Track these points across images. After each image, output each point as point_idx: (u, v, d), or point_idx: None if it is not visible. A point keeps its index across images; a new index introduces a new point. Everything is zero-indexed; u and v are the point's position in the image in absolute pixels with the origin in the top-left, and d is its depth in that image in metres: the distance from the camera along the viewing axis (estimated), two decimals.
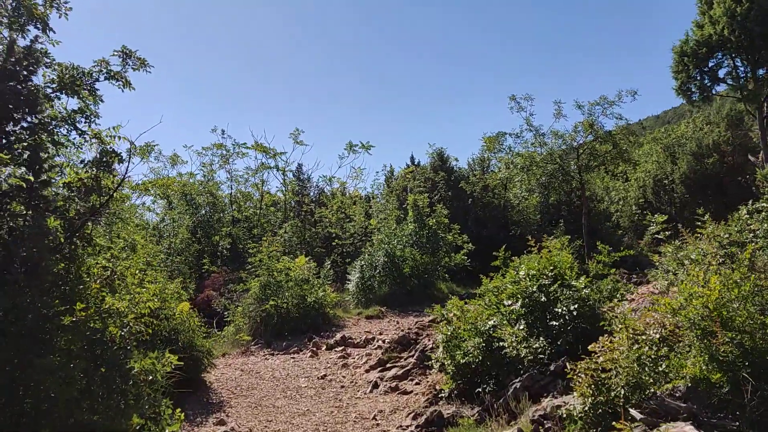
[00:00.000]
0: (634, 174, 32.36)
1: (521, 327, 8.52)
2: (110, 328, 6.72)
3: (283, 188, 31.25)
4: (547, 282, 8.72)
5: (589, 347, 6.65)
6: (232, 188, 30.53)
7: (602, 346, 6.51)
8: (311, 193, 32.72)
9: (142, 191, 23.93)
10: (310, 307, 16.26)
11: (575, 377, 6.29)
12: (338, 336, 14.79)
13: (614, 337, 6.58)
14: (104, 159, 7.56)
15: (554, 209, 29.23)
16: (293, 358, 13.18)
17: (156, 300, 9.04)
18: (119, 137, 10.89)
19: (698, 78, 26.54)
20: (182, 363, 9.35)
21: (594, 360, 6.31)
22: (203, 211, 27.19)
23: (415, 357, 11.56)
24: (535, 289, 8.71)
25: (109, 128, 10.87)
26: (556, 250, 9.81)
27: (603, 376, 6.09)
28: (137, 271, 8.77)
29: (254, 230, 27.44)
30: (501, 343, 8.41)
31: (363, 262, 21.31)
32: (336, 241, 26.99)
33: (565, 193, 25.38)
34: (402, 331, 16.19)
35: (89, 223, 7.96)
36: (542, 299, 8.58)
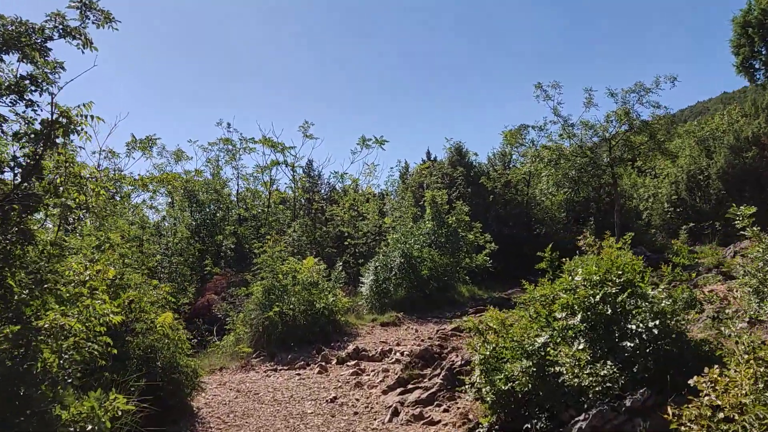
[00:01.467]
0: (665, 169, 30.35)
1: (580, 347, 6.74)
2: (45, 353, 5.03)
3: (293, 185, 29.60)
4: (613, 290, 6.92)
5: (691, 381, 4.87)
6: (238, 185, 28.96)
7: (712, 381, 4.72)
8: (322, 190, 31.06)
9: (141, 187, 22.34)
10: (319, 314, 14.55)
11: (682, 428, 4.50)
12: (350, 347, 13.06)
13: (730, 369, 4.79)
14: (46, 131, 5.89)
15: (580, 206, 27.30)
16: (299, 374, 11.45)
17: (122, 312, 7.36)
18: (93, 117, 9.20)
19: (765, 53, 23.91)
20: (160, 389, 7.68)
21: (706, 402, 4.53)
22: (207, 209, 25.57)
23: (441, 376, 9.80)
24: (597, 299, 6.92)
25: (79, 105, 9.20)
26: (617, 250, 8.01)
27: (725, 427, 4.30)
28: (104, 276, 7.09)
29: (262, 229, 25.81)
30: (557, 368, 6.62)
31: (377, 263, 19.58)
32: (348, 240, 25.29)
33: (593, 189, 23.47)
34: (422, 341, 14.45)
35: (34, 215, 6.27)
36: (607, 312, 6.79)
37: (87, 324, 5.73)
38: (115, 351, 6.39)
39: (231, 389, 10.13)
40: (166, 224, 25.39)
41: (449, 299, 20.30)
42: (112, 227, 16.68)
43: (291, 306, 14.13)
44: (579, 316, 6.92)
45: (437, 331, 15.47)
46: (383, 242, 22.42)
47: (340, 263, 20.18)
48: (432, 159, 32.19)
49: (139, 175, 22.71)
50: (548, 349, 6.97)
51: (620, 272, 7.19)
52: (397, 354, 12.69)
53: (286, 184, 38.55)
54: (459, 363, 10.02)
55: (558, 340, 7.03)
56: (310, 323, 14.20)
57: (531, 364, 6.83)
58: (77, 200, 8.67)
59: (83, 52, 7.36)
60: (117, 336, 7.19)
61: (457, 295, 20.90)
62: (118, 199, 24.77)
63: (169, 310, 9.57)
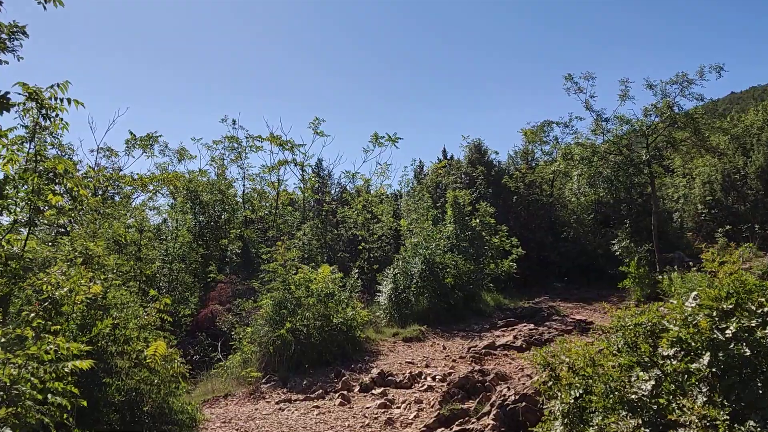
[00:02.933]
0: (697, 168, 28.53)
1: (702, 398, 5.03)
2: None
3: (302, 185, 27.94)
4: (752, 323, 5.20)
5: None
6: (244, 185, 27.32)
7: None
8: (333, 191, 29.38)
9: (140, 187, 20.69)
10: (337, 330, 12.86)
11: None
12: (374, 371, 11.34)
13: None
14: None
15: (609, 208, 25.52)
16: (317, 406, 9.74)
17: (99, 344, 5.70)
18: (70, 101, 7.61)
19: None
20: None
21: None
22: (211, 211, 23.90)
23: (491, 415, 8.09)
24: (729, 334, 5.20)
25: (53, 86, 7.70)
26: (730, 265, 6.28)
27: None
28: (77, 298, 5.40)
29: (269, 232, 24.12)
30: (680, 431, 4.89)
31: (396, 270, 17.91)
32: (362, 244, 23.59)
33: (625, 190, 21.71)
34: (453, 361, 12.77)
35: None
36: (744, 353, 5.07)
37: (38, 375, 4.05)
38: (85, 403, 4.72)
39: (238, 430, 8.43)
40: (169, 227, 23.78)
41: (474, 309, 18.61)
42: (106, 232, 15.07)
43: (305, 321, 12.45)
44: (706, 357, 5.19)
45: (468, 349, 13.79)
46: (402, 247, 20.72)
47: (356, 270, 18.51)
48: (448, 158, 30.44)
49: (138, 174, 21.06)
50: (660, 399, 5.26)
51: (752, 297, 5.45)
52: (429, 379, 10.99)
53: (294, 184, 36.94)
54: (512, 398, 8.31)
55: (671, 388, 5.31)
56: (326, 341, 12.52)
57: (640, 422, 5.11)
58: (50, 201, 7.03)
59: (45, 8, 5.74)
60: (90, 379, 5.51)
61: (482, 304, 19.19)
62: (118, 199, 23.24)
63: (163, 336, 7.86)
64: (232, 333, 13.67)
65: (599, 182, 19.82)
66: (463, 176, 26.47)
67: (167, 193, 23.54)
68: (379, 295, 17.81)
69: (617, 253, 20.52)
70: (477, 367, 10.88)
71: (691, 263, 21.58)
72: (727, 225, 25.35)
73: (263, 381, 11.15)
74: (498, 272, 20.52)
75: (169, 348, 7.49)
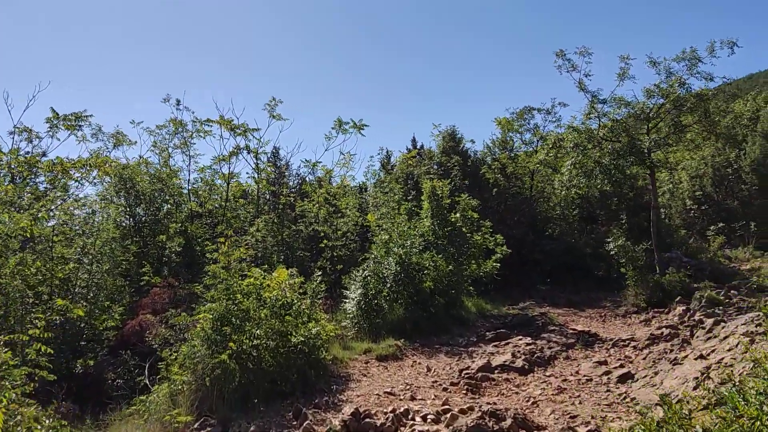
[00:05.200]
0: (683, 161, 26.65)
1: None
2: None
3: (256, 175, 24.83)
4: None
5: None
6: (190, 175, 24.07)
7: None
8: (291, 182, 26.45)
9: (61, 172, 17.37)
10: (296, 351, 10.06)
11: None
12: (346, 409, 8.57)
13: None
14: None
15: (597, 203, 23.32)
16: None
17: None
18: None
19: None
20: None
21: None
22: (151, 203, 20.63)
23: None
24: None
25: None
26: None
27: None
28: None
29: (218, 227, 21.02)
30: None
31: (367, 272, 15.16)
32: (324, 242, 20.76)
33: (621, 181, 19.49)
34: (444, 389, 10.12)
35: None
36: None
37: None
38: None
39: None
40: (99, 220, 20.45)
41: (456, 317, 16.06)
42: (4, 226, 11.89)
43: (255, 341, 9.59)
44: None
45: (460, 372, 11.16)
46: (370, 244, 18.02)
47: (318, 272, 15.68)
48: (419, 147, 27.82)
49: (57, 157, 17.70)
50: None
51: None
52: (419, 421, 8.26)
53: (247, 174, 33.65)
54: None
55: None
56: (283, 366, 9.70)
57: None
58: None
59: None
60: None
61: (464, 311, 16.66)
62: (42, 189, 19.80)
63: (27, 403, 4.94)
64: (168, 349, 10.72)
65: (596, 172, 17.46)
66: (436, 167, 23.89)
67: (97, 180, 20.15)
68: (345, 302, 15.04)
69: (612, 253, 18.23)
70: (481, 402, 8.25)
71: (691, 264, 19.54)
72: (719, 222, 23.48)
73: (196, 426, 8.24)
74: (479, 274, 18.02)
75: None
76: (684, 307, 15.78)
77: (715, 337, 11.90)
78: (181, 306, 14.57)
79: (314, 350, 10.41)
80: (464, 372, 11.01)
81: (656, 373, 10.18)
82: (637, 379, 10.23)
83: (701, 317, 14.17)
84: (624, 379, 10.36)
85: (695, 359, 9.99)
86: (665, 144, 17.35)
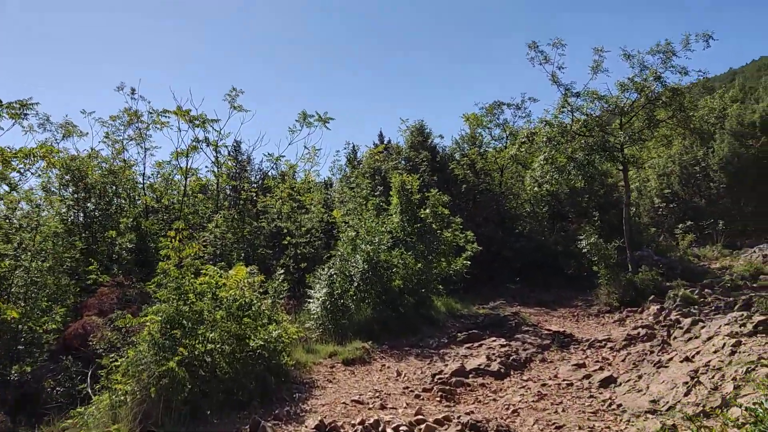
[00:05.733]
0: (651, 159, 26.49)
1: None
2: None
3: (215, 169, 23.68)
4: None
5: None
6: (146, 168, 22.82)
7: None
8: (252, 177, 25.34)
9: (0, 162, 16.00)
10: (256, 356, 9.18)
11: None
12: (309, 422, 7.73)
13: None
14: None
15: (567, 200, 22.90)
16: None
17: None
18: None
19: None
20: None
21: None
22: (102, 196, 19.36)
23: None
24: None
25: None
26: None
27: None
28: None
29: (175, 223, 19.77)
30: None
31: (333, 271, 14.31)
32: (287, 238, 19.80)
33: (593, 177, 19.05)
34: (417, 396, 9.35)
35: None
36: None
37: None
38: None
39: None
40: (45, 215, 19.10)
41: (426, 317, 15.34)
42: None
43: (209, 346, 8.67)
44: None
45: (433, 377, 10.41)
46: (335, 241, 17.18)
47: (280, 270, 14.77)
48: (385, 142, 27.05)
49: None
50: None
51: None
52: None
53: (207, 167, 32.33)
54: None
55: None
56: (240, 373, 8.80)
57: None
58: None
59: None
60: None
61: (433, 311, 15.96)
62: None
63: None
64: (112, 355, 9.71)
65: (570, 167, 16.93)
66: (403, 162, 23.16)
67: (43, 171, 18.78)
68: (309, 302, 14.17)
69: (584, 251, 17.78)
70: (458, 411, 7.51)
71: (662, 262, 19.25)
72: (687, 220, 23.32)
73: None
74: (449, 272, 17.33)
75: None
76: (658, 306, 15.40)
77: (696, 337, 11.45)
78: (132, 306, 13.47)
79: (275, 355, 9.54)
80: (437, 377, 10.27)
81: (640, 377, 9.60)
82: (620, 384, 9.64)
83: (677, 317, 13.77)
84: (606, 383, 9.76)
85: (681, 362, 9.46)
86: (639, 139, 16.93)
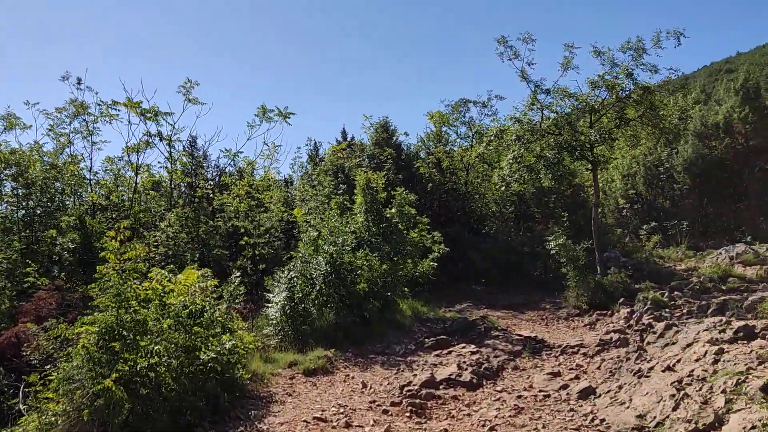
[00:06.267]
0: (615, 159, 26.35)
1: None
2: None
3: (169, 165, 22.46)
4: None
5: None
6: (93, 163, 21.41)
7: None
8: (209, 174, 24.18)
9: None
10: (207, 369, 8.27)
11: None
12: None
13: None
14: None
15: (534, 200, 22.49)
16: None
17: None
18: None
19: None
20: None
21: None
22: (44, 193, 18.04)
23: None
24: None
25: None
26: None
27: None
28: None
29: (124, 222, 18.57)
30: None
31: (293, 274, 13.44)
32: (245, 238, 18.81)
33: (562, 177, 18.62)
34: (384, 411, 8.60)
35: None
36: None
37: None
38: None
39: None
40: None
41: (391, 322, 14.61)
42: None
43: (153, 360, 7.73)
44: None
45: (401, 388, 9.68)
46: (297, 242, 16.32)
47: (237, 273, 13.83)
48: (349, 140, 26.22)
49: None
50: None
51: None
52: None
53: (160, 163, 30.88)
54: None
55: None
56: (188, 390, 7.89)
57: None
58: None
59: None
60: None
61: (399, 315, 15.24)
62: None
63: None
64: (48, 366, 8.67)
65: (540, 166, 16.43)
66: (368, 159, 22.40)
67: None
68: (268, 306, 13.27)
69: (553, 252, 17.34)
70: (429, 429, 6.79)
71: (629, 264, 18.96)
72: (651, 221, 23.21)
73: None
74: (415, 274, 16.66)
75: None
76: (628, 310, 15.02)
77: (673, 343, 11.01)
78: (73, 312, 12.38)
79: (228, 368, 8.65)
80: (406, 389, 9.53)
81: (620, 387, 9.05)
82: (600, 395, 9.07)
83: (650, 321, 13.37)
84: (585, 394, 9.18)
85: (663, 371, 8.93)
86: (609, 138, 16.55)
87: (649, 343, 12.01)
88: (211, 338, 8.58)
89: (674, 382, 8.32)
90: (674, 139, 19.43)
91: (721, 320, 10.51)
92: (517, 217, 22.88)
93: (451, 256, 20.68)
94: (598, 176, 26.11)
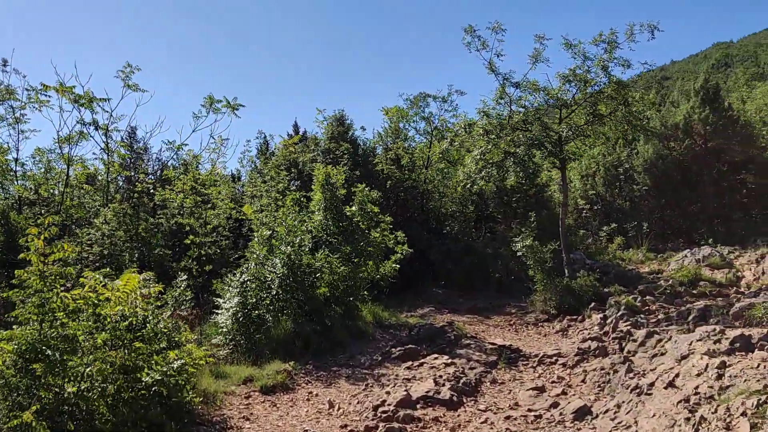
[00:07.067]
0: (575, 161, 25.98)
1: None
2: None
3: (105, 156, 20.58)
4: None
5: None
6: (19, 153, 19.35)
7: None
8: (150, 167, 22.42)
9: None
10: (150, 394, 6.93)
11: None
12: None
13: None
14: None
15: (495, 199, 21.76)
16: None
17: None
18: None
19: None
20: None
21: None
22: None
23: None
24: None
25: None
26: None
27: None
28: None
29: (54, 217, 16.75)
30: None
31: (246, 277, 12.10)
32: (190, 237, 17.26)
33: (533, 174, 17.91)
34: (349, 429, 7.46)
35: None
36: None
37: None
38: None
39: None
40: None
41: (353, 330, 13.45)
42: None
43: (83, 385, 6.35)
44: None
45: (375, 408, 8.57)
46: (245, 240, 14.98)
47: (183, 275, 12.40)
48: (302, 133, 24.90)
49: None
50: None
51: None
52: None
53: (95, 155, 28.59)
54: None
55: None
56: (127, 420, 6.54)
57: None
58: None
59: None
60: None
61: (361, 322, 14.11)
62: None
63: None
64: None
65: (509, 163, 15.62)
66: (323, 154, 21.17)
67: None
68: (217, 313, 11.90)
69: (519, 254, 16.60)
70: None
71: (595, 266, 18.45)
72: (611, 223, 22.88)
73: None
74: (377, 276, 15.59)
75: None
76: (601, 315, 14.39)
77: (662, 354, 10.31)
78: None
79: (177, 391, 7.33)
80: (380, 409, 8.42)
81: (619, 407, 8.21)
82: (598, 415, 8.19)
83: (628, 328, 12.72)
84: (581, 414, 8.28)
85: (665, 388, 8.14)
86: (581, 135, 15.92)
87: (630, 352, 11.33)
88: (155, 355, 7.24)
89: (681, 401, 7.53)
90: (644, 134, 18.99)
91: (715, 330, 9.86)
92: (479, 218, 22.12)
93: (411, 257, 19.76)
94: (556, 176, 25.74)
